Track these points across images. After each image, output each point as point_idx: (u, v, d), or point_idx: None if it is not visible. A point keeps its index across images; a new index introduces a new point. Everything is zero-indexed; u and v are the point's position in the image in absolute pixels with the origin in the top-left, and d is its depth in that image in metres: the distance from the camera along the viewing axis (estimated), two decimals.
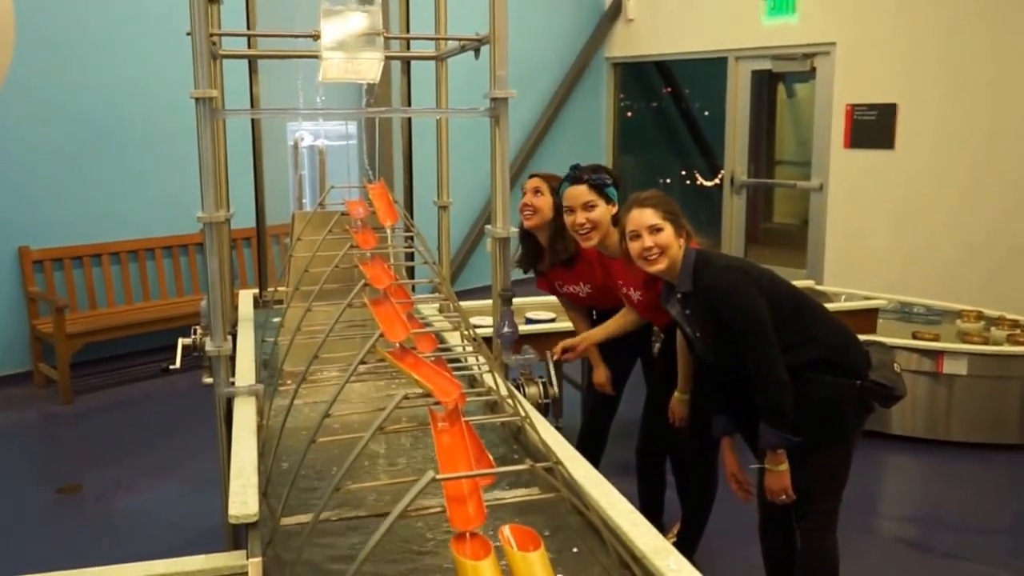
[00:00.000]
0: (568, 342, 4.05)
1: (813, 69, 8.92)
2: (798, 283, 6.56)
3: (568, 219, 3.80)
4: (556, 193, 3.97)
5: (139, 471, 5.33)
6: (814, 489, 3.23)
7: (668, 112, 11.64)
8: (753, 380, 3.11)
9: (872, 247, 8.49)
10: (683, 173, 11.15)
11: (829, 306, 6.04)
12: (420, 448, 2.64)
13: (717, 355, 3.28)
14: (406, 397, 1.68)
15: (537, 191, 4.03)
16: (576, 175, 3.78)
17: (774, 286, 3.21)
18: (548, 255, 4.14)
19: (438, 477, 1.43)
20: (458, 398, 1.67)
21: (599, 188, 3.75)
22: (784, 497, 3.19)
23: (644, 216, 3.27)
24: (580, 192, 3.75)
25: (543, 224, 4.06)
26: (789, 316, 3.16)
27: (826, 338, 3.19)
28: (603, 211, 3.74)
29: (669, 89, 11.50)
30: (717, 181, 10.17)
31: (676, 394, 3.84)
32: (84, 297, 7.22)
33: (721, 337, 3.18)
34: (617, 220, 3.71)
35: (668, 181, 11.30)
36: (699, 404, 3.76)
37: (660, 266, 3.25)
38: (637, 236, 3.28)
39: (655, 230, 3.25)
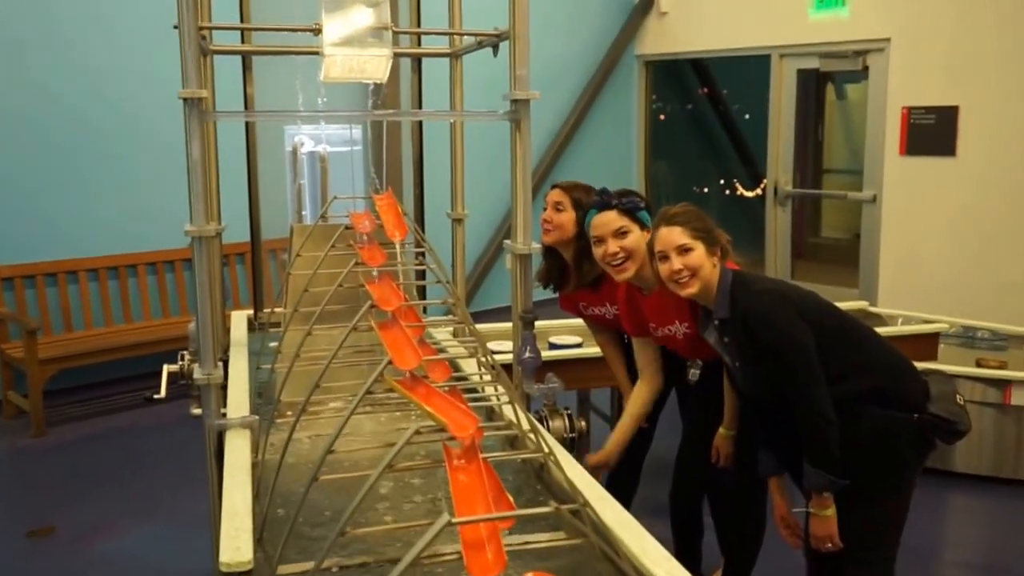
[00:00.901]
0: (596, 459, 3.92)
1: (865, 68, 8.89)
2: (849, 304, 6.56)
3: (598, 251, 3.69)
4: (580, 207, 3.94)
5: (119, 512, 5.33)
6: (867, 536, 3.19)
7: (705, 115, 11.64)
8: (795, 415, 3.08)
9: (931, 264, 8.44)
10: (721, 183, 11.14)
11: (884, 331, 6.00)
12: (433, 487, 2.63)
13: (757, 387, 3.26)
14: (418, 432, 1.67)
15: (558, 206, 3.99)
16: (603, 200, 3.70)
17: (818, 310, 3.19)
18: (574, 277, 4.11)
19: (454, 521, 1.42)
20: (475, 433, 1.66)
21: (631, 212, 3.66)
22: (830, 545, 3.16)
23: (672, 235, 3.25)
24: (610, 219, 3.65)
25: (564, 241, 4.03)
26: (835, 343, 3.13)
27: (878, 367, 3.17)
28: (638, 238, 3.64)
29: (706, 90, 11.51)
30: (759, 191, 10.15)
31: (721, 430, 3.81)
32: (59, 318, 7.25)
33: (760, 367, 3.16)
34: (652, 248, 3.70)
35: (705, 191, 11.30)
36: (746, 441, 3.73)
37: (692, 289, 3.23)
38: (665, 257, 3.26)
39: (684, 250, 3.23)
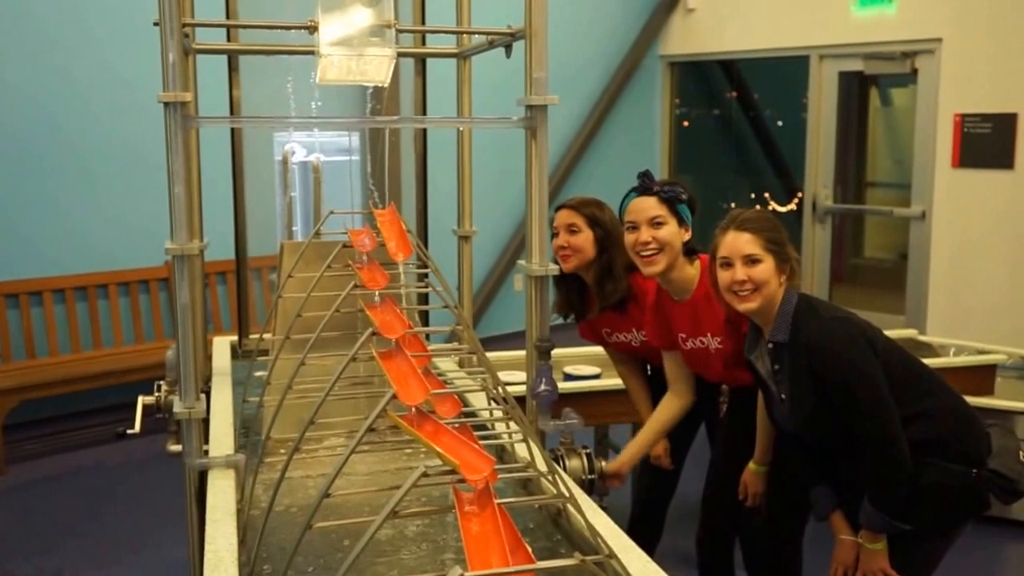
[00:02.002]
0: (611, 468, 3.86)
1: (914, 71, 8.91)
2: (896, 333, 6.54)
3: (630, 238, 3.70)
4: (596, 224, 3.94)
5: (87, 559, 5.32)
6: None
7: (735, 121, 11.65)
8: (869, 455, 3.08)
9: (986, 289, 8.43)
10: (752, 196, 11.14)
11: (934, 362, 5.98)
12: (440, 535, 2.62)
13: (807, 425, 3.25)
14: (425, 474, 1.66)
15: (572, 228, 3.98)
16: (645, 184, 3.72)
17: (888, 349, 3.20)
18: (597, 299, 4.10)
19: (467, 575, 1.41)
20: (490, 475, 1.65)
21: (671, 203, 3.68)
22: None
23: (740, 242, 3.25)
24: (648, 205, 3.68)
25: (585, 265, 4.02)
26: (901, 387, 3.14)
27: (942, 416, 3.18)
28: (673, 232, 3.66)
29: (736, 93, 11.52)
30: (794, 206, 10.15)
31: (751, 465, 3.79)
32: (20, 344, 7.26)
33: (819, 404, 3.15)
34: (690, 249, 3.70)
35: (733, 205, 11.30)
36: (780, 479, 3.71)
37: (751, 304, 3.23)
38: (729, 265, 3.26)
39: (751, 261, 3.23)
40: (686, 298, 3.75)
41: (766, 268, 3.21)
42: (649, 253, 3.66)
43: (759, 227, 3.27)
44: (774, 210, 10.66)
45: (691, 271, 3.75)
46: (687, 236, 3.70)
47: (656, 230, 3.65)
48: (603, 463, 3.20)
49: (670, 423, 3.96)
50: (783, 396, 3.28)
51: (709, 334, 3.76)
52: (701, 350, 3.81)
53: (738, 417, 3.85)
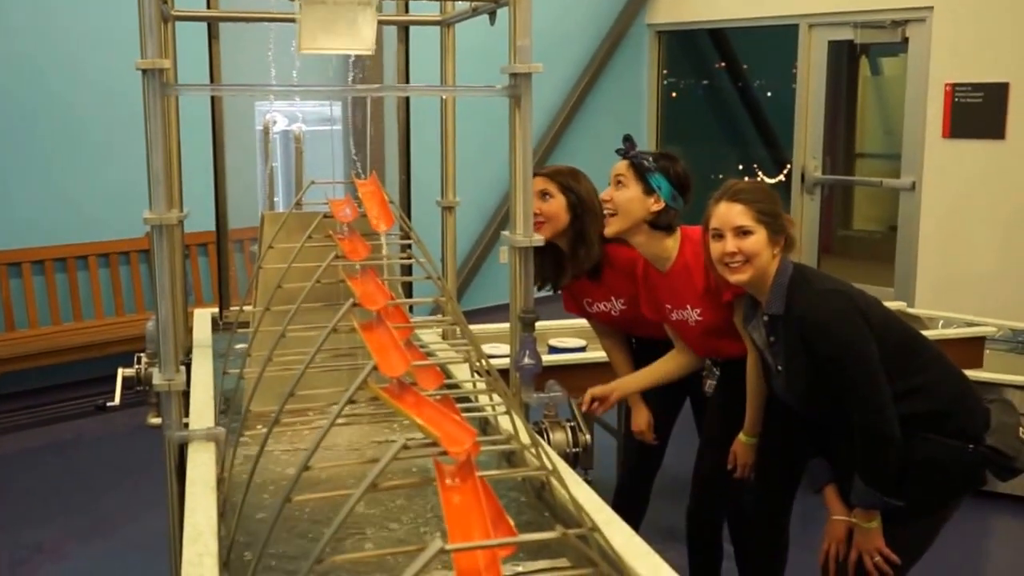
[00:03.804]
0: (597, 390, 3.98)
1: (905, 39, 8.89)
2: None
3: (603, 195, 3.84)
4: (568, 191, 3.96)
5: (67, 532, 5.32)
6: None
7: (723, 92, 11.64)
8: (856, 430, 3.09)
9: (976, 260, 8.44)
10: (740, 167, 11.13)
11: (924, 335, 6.01)
12: (421, 507, 2.62)
13: (803, 398, 3.26)
14: (406, 446, 1.65)
15: (545, 194, 3.99)
16: (623, 147, 3.81)
17: (884, 322, 3.21)
18: (570, 265, 4.11)
19: (448, 547, 1.41)
20: (471, 448, 1.65)
21: (638, 168, 3.74)
22: (878, 558, 3.18)
23: (732, 213, 3.26)
24: (617, 165, 3.80)
25: (560, 232, 4.02)
26: (897, 360, 3.14)
27: (939, 389, 3.18)
28: (630, 195, 3.73)
29: (725, 63, 11.50)
30: (783, 177, 10.14)
31: (741, 437, 3.79)
32: (0, 316, 7.23)
33: (813, 377, 3.16)
34: (666, 223, 3.71)
35: (722, 177, 11.28)
36: (769, 452, 3.73)
37: (742, 276, 3.24)
38: (720, 236, 3.26)
39: (743, 232, 3.23)
40: (667, 268, 3.79)
41: (758, 240, 3.22)
42: (608, 213, 3.78)
43: (752, 198, 3.27)
44: (762, 180, 10.66)
45: (668, 243, 3.78)
46: (655, 206, 3.72)
47: (615, 189, 3.75)
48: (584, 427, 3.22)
49: (670, 375, 4.00)
50: (779, 368, 3.30)
51: (688, 306, 3.79)
52: (682, 322, 3.85)
53: (728, 393, 3.86)
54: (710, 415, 4.08)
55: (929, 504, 3.22)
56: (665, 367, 4.00)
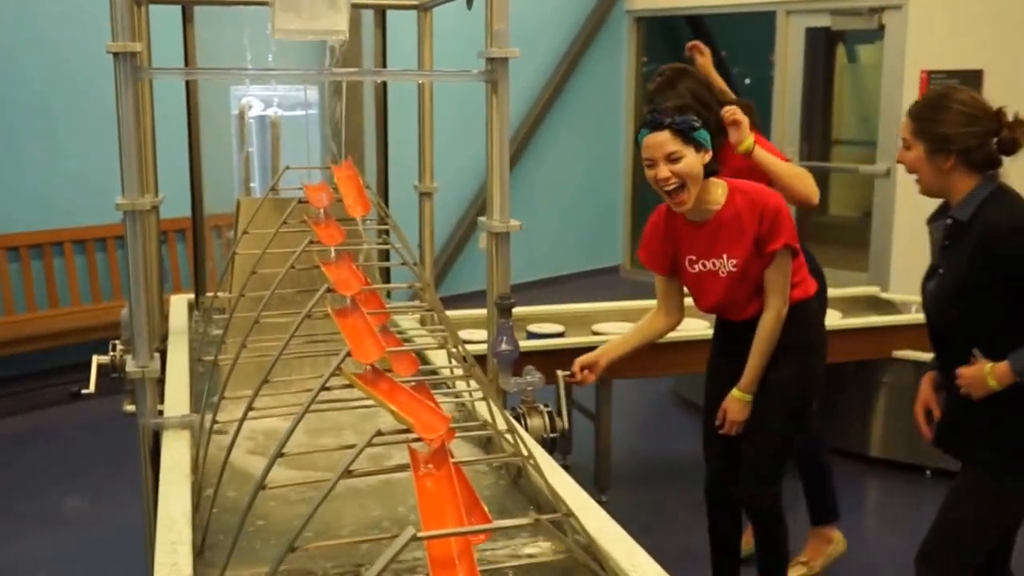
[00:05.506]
0: (586, 358, 3.88)
1: (881, 27, 8.90)
2: (858, 290, 6.58)
3: (649, 174, 3.61)
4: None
5: (39, 520, 5.30)
6: (958, 523, 3.32)
7: None
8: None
9: None
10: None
11: (896, 319, 6.04)
12: (396, 494, 2.61)
13: (947, 299, 3.35)
14: (380, 433, 1.65)
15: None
16: (656, 119, 3.59)
17: None
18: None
19: (420, 535, 1.40)
20: (445, 435, 1.64)
21: (684, 133, 3.56)
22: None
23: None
24: (663, 140, 3.55)
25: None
26: None
27: None
28: (691, 162, 3.55)
29: None
30: None
31: (735, 392, 3.75)
32: None
33: (969, 285, 3.25)
34: (712, 169, 3.65)
35: None
36: (760, 415, 3.75)
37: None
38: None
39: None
40: (707, 218, 3.68)
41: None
42: (672, 188, 3.57)
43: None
44: None
45: (717, 192, 3.69)
46: (707, 158, 3.60)
47: (674, 165, 3.55)
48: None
49: (653, 335, 3.96)
50: (940, 270, 3.39)
51: (725, 255, 3.70)
52: (708, 274, 3.75)
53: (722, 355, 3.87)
54: (709, 383, 4.06)
55: None
56: (650, 327, 3.94)
